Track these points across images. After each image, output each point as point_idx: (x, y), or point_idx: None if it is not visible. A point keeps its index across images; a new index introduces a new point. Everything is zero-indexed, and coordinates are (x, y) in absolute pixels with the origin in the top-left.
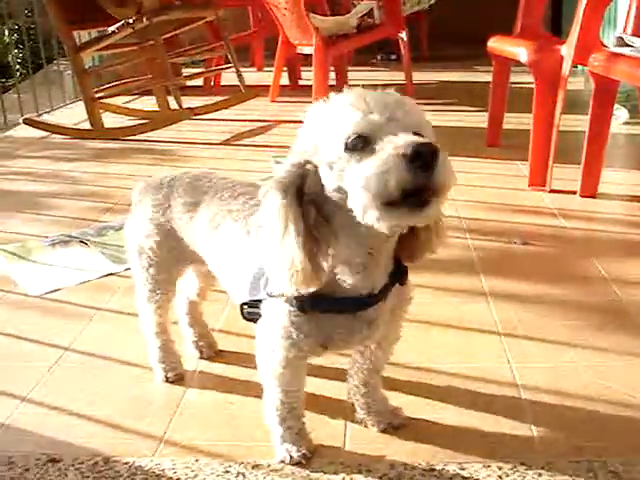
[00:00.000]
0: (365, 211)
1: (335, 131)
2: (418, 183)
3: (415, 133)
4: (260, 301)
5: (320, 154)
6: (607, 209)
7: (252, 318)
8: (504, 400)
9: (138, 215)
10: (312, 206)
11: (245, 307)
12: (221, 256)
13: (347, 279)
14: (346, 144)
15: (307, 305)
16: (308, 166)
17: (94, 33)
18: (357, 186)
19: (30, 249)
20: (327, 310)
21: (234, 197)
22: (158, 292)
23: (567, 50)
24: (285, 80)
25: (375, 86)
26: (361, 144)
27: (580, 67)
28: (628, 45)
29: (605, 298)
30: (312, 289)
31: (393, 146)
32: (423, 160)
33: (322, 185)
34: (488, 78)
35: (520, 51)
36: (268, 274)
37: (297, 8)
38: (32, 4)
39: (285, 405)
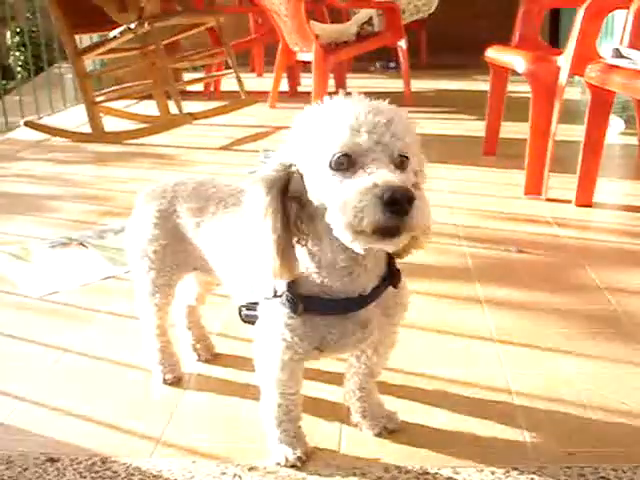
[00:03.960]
0: (339, 231)
1: (322, 146)
2: (391, 225)
3: (401, 156)
4: (257, 304)
5: (306, 163)
6: (602, 218)
7: (249, 320)
8: (498, 406)
9: (142, 219)
10: (295, 203)
11: (243, 309)
12: (225, 261)
13: (335, 281)
14: (331, 163)
15: (299, 306)
16: (294, 168)
17: (95, 37)
18: (335, 207)
19: (30, 251)
20: (319, 311)
21: (238, 204)
22: (157, 296)
23: (564, 61)
24: (285, 86)
25: (373, 94)
26: (345, 165)
27: (577, 77)
28: (624, 57)
29: (599, 306)
30: (285, 280)
31: (372, 183)
32: (399, 206)
33: (305, 189)
34: (486, 87)
35: (517, 61)
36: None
37: (297, 15)
38: (34, 7)
39: (282, 408)
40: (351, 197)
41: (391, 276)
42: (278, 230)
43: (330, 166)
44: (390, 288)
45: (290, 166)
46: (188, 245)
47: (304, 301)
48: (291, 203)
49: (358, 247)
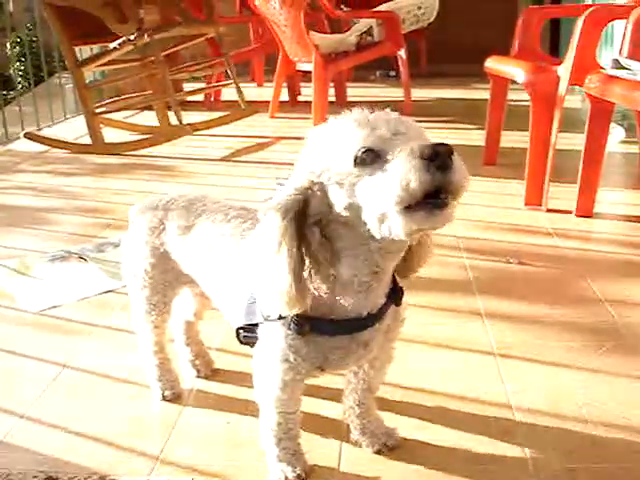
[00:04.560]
0: (382, 220)
1: (343, 148)
2: (437, 183)
3: None
4: (256, 325)
5: (328, 173)
6: (603, 229)
7: (248, 342)
8: (498, 422)
9: (133, 237)
10: (316, 228)
11: (241, 332)
12: (214, 280)
13: (349, 299)
14: (355, 158)
15: (306, 328)
16: (314, 188)
17: (95, 48)
18: (374, 196)
19: (29, 265)
20: (325, 332)
21: (227, 220)
22: (153, 313)
23: (563, 71)
24: (285, 96)
25: (374, 103)
26: (371, 158)
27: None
28: (624, 68)
29: (600, 319)
30: (296, 311)
31: (408, 150)
32: (441, 160)
33: (329, 205)
34: (486, 95)
35: (517, 72)
36: (261, 296)
37: (297, 26)
38: (34, 18)
39: (281, 426)
40: (393, 171)
41: (394, 294)
42: (294, 258)
43: (356, 163)
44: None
45: (307, 188)
46: (176, 263)
47: (311, 322)
48: (313, 229)
49: (404, 232)
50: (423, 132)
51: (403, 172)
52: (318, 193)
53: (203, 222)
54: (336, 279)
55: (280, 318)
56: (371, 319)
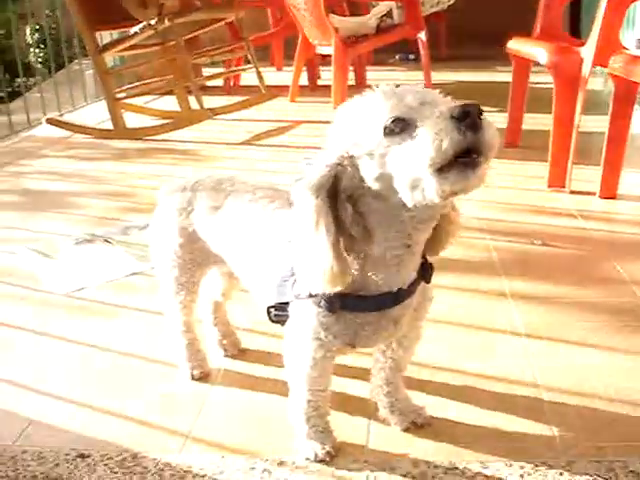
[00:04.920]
0: (415, 186)
1: (372, 119)
2: (468, 143)
3: None
4: (287, 304)
5: (358, 147)
6: (627, 210)
7: (279, 320)
8: (525, 400)
9: (162, 218)
10: (348, 203)
11: (272, 310)
12: (244, 259)
13: (381, 274)
14: (385, 128)
15: (336, 305)
16: (344, 163)
17: (115, 34)
18: (406, 162)
19: (55, 247)
20: (356, 309)
21: (255, 201)
22: (182, 293)
23: (587, 52)
24: (304, 80)
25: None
26: (400, 126)
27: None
28: None
29: (625, 299)
30: (338, 288)
31: (438, 113)
32: (472, 119)
33: (360, 179)
34: (507, 78)
35: (540, 53)
36: (296, 275)
37: (317, 9)
38: (54, 4)
39: (311, 404)
40: (423, 135)
41: (424, 271)
42: (332, 234)
43: (385, 133)
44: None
45: (337, 164)
46: (205, 243)
47: (341, 299)
48: (345, 205)
49: (438, 195)
50: (450, 101)
51: (434, 134)
52: (349, 168)
53: (231, 202)
54: (368, 255)
55: (311, 296)
56: (402, 294)
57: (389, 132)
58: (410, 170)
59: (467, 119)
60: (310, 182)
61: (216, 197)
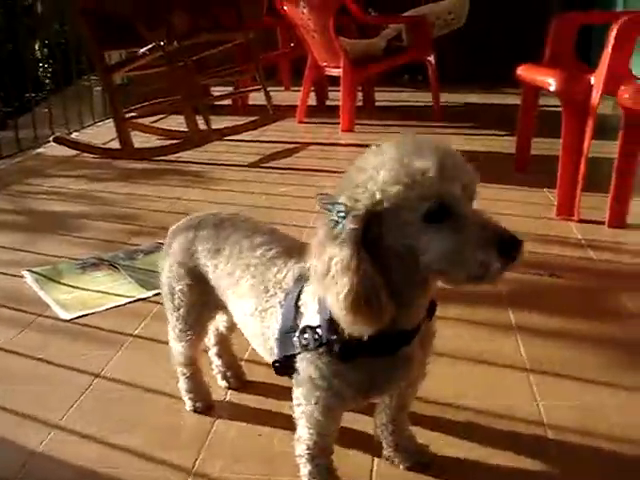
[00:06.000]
0: (443, 274)
1: (410, 193)
2: (501, 267)
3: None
4: (293, 356)
5: (391, 212)
6: (636, 240)
7: (286, 373)
8: (530, 439)
9: (170, 257)
10: (365, 253)
11: (277, 364)
12: (242, 312)
13: (402, 313)
14: (426, 215)
15: (350, 351)
16: (370, 216)
17: (124, 53)
18: (442, 254)
19: (61, 271)
20: (372, 351)
21: (252, 249)
22: (189, 333)
23: (596, 80)
24: (312, 101)
25: (401, 108)
26: (442, 215)
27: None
28: None
29: (635, 334)
30: (382, 325)
31: (490, 234)
32: (517, 255)
33: (381, 233)
34: (516, 101)
35: (549, 80)
36: (302, 326)
37: (326, 31)
38: (63, 19)
39: (317, 445)
40: (467, 247)
41: (430, 306)
42: (376, 278)
43: (425, 218)
44: None
45: (365, 218)
46: (209, 285)
47: (358, 343)
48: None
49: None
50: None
51: (479, 255)
52: (373, 221)
53: (230, 248)
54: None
55: (320, 345)
56: (411, 333)
57: (430, 218)
58: (443, 264)
59: (512, 254)
60: (348, 235)
61: (216, 240)
